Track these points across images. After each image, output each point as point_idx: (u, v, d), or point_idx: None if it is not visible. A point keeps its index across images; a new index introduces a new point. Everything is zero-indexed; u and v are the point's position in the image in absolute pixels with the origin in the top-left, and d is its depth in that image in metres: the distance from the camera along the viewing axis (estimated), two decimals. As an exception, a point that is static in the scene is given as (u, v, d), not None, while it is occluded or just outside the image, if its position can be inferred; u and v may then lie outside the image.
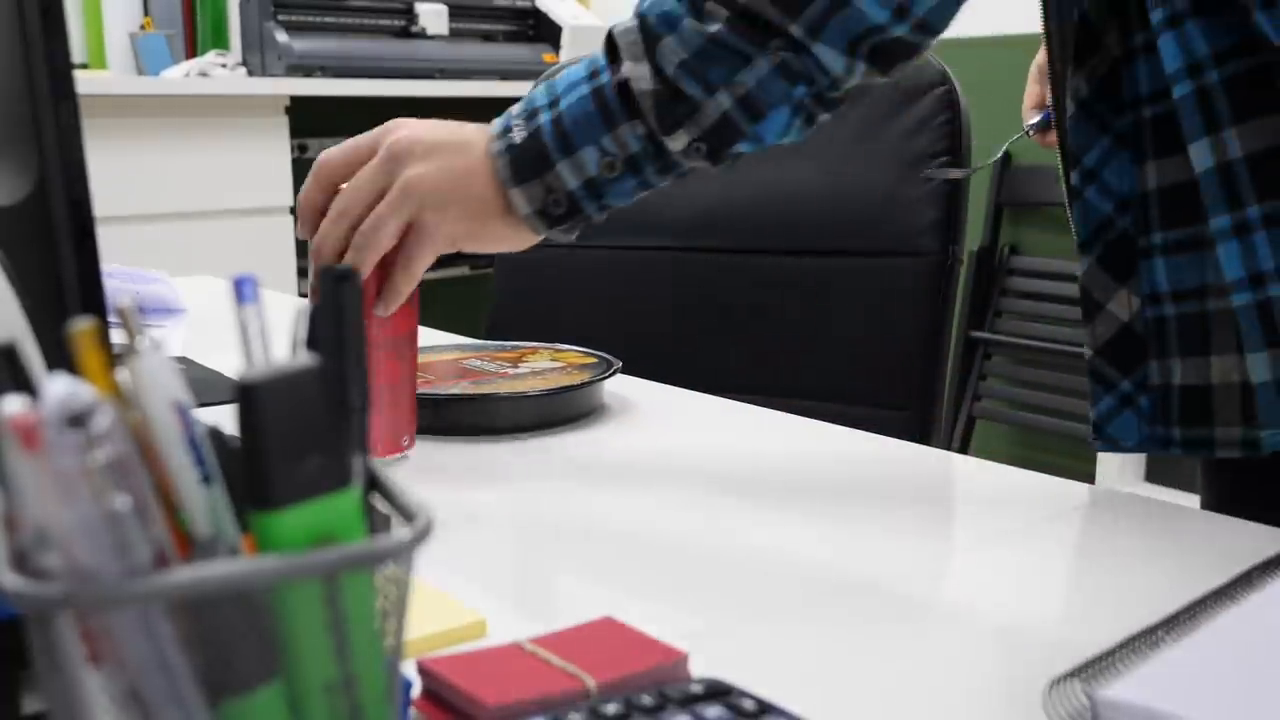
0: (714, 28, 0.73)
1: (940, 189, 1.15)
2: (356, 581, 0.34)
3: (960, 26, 0.78)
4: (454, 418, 0.93)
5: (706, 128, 0.75)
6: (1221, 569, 0.59)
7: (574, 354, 1.08)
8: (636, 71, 0.74)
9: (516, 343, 1.13)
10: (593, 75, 0.75)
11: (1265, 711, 0.44)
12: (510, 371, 1.01)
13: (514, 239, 0.78)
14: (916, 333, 1.14)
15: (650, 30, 0.74)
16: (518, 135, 0.75)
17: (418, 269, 0.76)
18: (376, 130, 0.77)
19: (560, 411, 0.95)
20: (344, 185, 0.77)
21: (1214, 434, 0.76)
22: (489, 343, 1.14)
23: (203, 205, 2.67)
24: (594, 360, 1.05)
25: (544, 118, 0.75)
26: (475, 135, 0.77)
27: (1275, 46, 0.66)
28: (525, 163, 0.75)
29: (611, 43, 0.76)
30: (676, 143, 0.75)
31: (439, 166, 0.74)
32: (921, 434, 1.16)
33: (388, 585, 0.35)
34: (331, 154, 0.77)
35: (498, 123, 0.78)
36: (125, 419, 0.32)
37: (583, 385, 0.96)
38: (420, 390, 0.94)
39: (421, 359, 1.06)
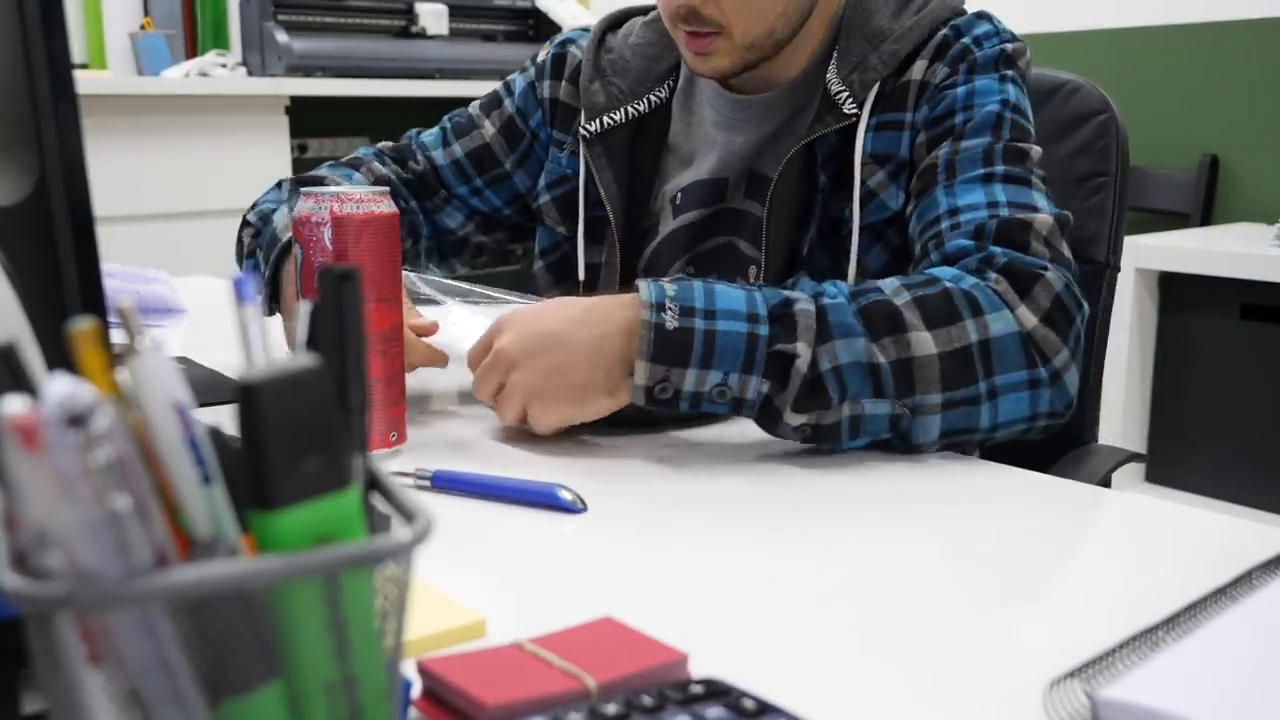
0: (879, 360, 0.84)
1: (1099, 205, 1.25)
2: (356, 581, 0.34)
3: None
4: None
5: (823, 424, 0.85)
6: (1221, 569, 0.59)
7: None
8: (804, 353, 0.83)
9: None
10: (752, 318, 0.84)
11: (1265, 711, 0.44)
12: None
13: (607, 408, 0.88)
14: (1087, 333, 1.24)
15: (826, 328, 0.84)
16: (670, 321, 0.83)
17: (542, 432, 0.89)
18: (489, 330, 0.90)
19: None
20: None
21: None
22: None
23: (203, 205, 2.67)
24: None
25: (699, 323, 0.83)
26: (567, 327, 0.87)
27: None
28: (667, 348, 0.83)
29: (787, 310, 0.84)
30: (795, 420, 0.84)
31: (537, 367, 0.87)
32: (1078, 429, 1.25)
33: (388, 585, 0.35)
34: (470, 357, 0.92)
35: (650, 290, 0.85)
36: (125, 419, 0.32)
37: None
38: None
39: None
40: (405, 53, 3.08)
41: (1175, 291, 2.06)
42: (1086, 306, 0.91)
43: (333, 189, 0.84)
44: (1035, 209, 0.95)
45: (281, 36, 2.87)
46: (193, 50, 3.04)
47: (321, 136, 3.28)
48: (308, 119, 2.99)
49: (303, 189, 0.86)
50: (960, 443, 0.88)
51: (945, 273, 0.89)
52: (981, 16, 1.06)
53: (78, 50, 2.92)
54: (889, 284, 0.88)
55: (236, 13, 3.01)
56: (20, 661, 0.41)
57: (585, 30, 1.23)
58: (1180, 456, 2.10)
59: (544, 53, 1.24)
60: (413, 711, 0.49)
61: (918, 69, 1.03)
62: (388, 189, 0.86)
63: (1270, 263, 1.89)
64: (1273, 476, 1.99)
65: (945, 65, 1.02)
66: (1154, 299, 2.08)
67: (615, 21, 1.22)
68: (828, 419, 0.84)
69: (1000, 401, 0.86)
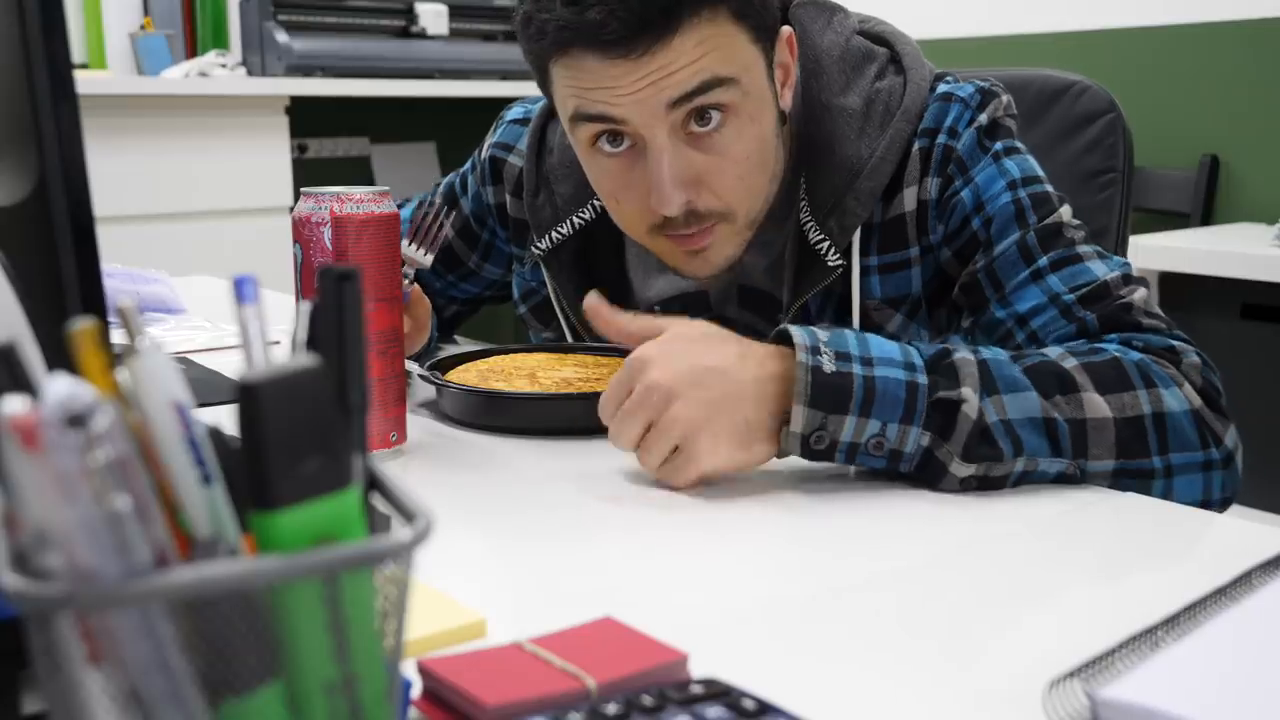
0: (1054, 415, 0.78)
1: (1107, 200, 1.27)
2: (356, 581, 0.34)
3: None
4: (474, 414, 0.94)
5: (991, 475, 0.79)
6: (1221, 569, 0.59)
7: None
8: (970, 399, 0.77)
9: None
10: (908, 367, 0.78)
11: (1265, 711, 0.44)
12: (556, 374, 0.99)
13: (767, 455, 0.79)
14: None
15: (991, 381, 0.79)
16: (827, 365, 0.76)
17: (690, 478, 0.78)
18: (624, 370, 0.79)
19: (570, 417, 0.93)
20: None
21: None
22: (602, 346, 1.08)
23: (203, 205, 2.67)
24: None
25: (857, 368, 0.77)
26: (727, 363, 0.78)
27: None
28: (825, 393, 0.76)
29: (944, 360, 0.79)
30: (963, 470, 0.78)
31: (701, 399, 0.77)
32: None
33: (388, 585, 0.35)
34: (603, 404, 0.80)
35: (802, 333, 0.78)
36: (125, 419, 0.32)
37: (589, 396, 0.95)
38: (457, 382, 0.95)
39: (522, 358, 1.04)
40: (405, 53, 3.08)
41: (1175, 291, 2.06)
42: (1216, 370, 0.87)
43: (333, 189, 0.84)
44: (1096, 279, 0.89)
45: (281, 36, 2.87)
46: (193, 50, 3.04)
47: (321, 136, 3.28)
48: (308, 119, 2.99)
49: (303, 189, 0.86)
50: None
51: (1109, 344, 0.84)
52: (942, 97, 0.97)
53: (78, 50, 2.92)
54: (1052, 349, 0.83)
55: (236, 13, 3.00)
56: (20, 661, 0.41)
57: (524, 119, 1.16)
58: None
59: (484, 152, 1.19)
60: (413, 711, 0.49)
61: (909, 198, 0.96)
62: (388, 189, 0.86)
63: (1270, 263, 1.89)
64: (1273, 476, 1.99)
65: (936, 177, 0.95)
66: (1154, 299, 2.08)
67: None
68: (997, 470, 0.78)
69: (1176, 481, 0.81)
